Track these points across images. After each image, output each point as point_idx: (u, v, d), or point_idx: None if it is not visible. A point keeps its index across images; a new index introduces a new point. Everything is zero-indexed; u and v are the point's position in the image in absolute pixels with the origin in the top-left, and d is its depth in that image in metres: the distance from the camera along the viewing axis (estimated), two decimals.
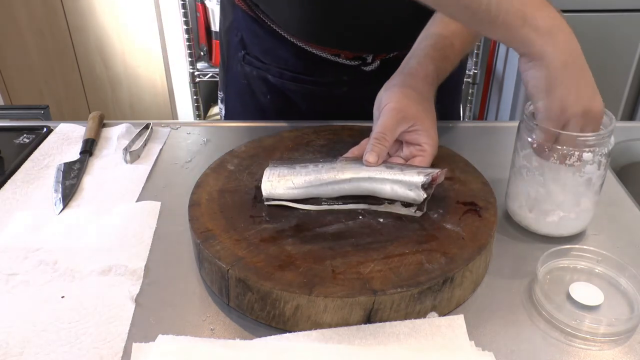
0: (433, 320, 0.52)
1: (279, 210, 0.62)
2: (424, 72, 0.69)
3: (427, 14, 0.79)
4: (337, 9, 0.78)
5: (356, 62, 0.85)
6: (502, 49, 2.17)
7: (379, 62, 0.85)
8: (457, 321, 0.53)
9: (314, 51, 0.85)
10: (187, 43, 2.16)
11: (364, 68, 0.86)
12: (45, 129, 0.89)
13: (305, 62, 0.87)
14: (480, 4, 0.55)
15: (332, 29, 0.82)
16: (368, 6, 0.77)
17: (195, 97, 2.32)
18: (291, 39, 0.84)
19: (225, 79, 0.98)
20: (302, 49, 0.85)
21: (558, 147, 0.58)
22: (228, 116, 1.00)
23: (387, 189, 0.60)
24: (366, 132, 0.77)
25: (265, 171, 0.63)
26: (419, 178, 0.59)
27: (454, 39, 0.72)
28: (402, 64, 0.71)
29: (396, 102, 0.65)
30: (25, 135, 0.88)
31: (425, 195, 0.59)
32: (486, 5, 0.54)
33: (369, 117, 0.69)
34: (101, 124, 0.90)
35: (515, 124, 0.67)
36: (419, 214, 0.60)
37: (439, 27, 0.73)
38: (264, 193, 0.62)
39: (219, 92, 1.01)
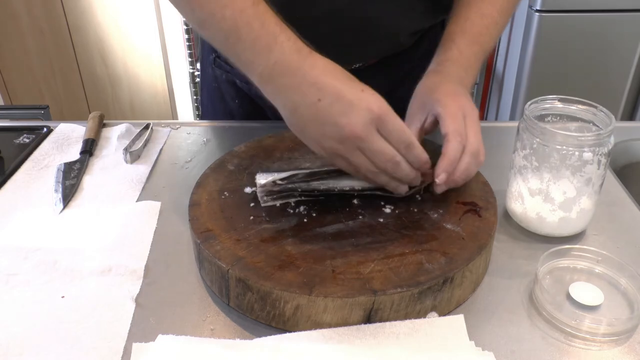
0: (433, 320, 0.52)
1: (279, 210, 0.62)
2: (444, 56, 0.69)
3: (384, 32, 0.78)
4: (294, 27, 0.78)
5: None
6: (502, 49, 2.18)
7: None
8: (457, 321, 0.53)
9: None
10: (187, 43, 2.16)
11: None
12: (45, 129, 0.89)
13: None
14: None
15: None
16: (325, 24, 0.75)
17: (195, 97, 2.32)
18: None
19: (200, 81, 1.01)
20: None
21: (558, 147, 0.58)
22: (202, 118, 1.01)
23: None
24: None
25: (257, 174, 0.63)
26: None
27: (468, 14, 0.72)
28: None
29: (410, 104, 0.67)
30: (25, 135, 0.88)
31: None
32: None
33: None
34: (101, 124, 0.90)
35: (515, 124, 0.67)
36: (418, 198, 0.64)
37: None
38: (261, 182, 0.61)
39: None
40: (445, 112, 0.60)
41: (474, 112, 0.62)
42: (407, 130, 0.56)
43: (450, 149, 0.58)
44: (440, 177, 0.59)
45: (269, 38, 0.56)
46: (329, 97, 0.54)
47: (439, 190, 0.61)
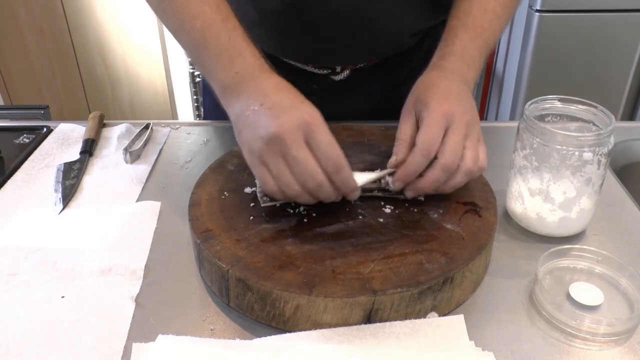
0: (433, 320, 0.52)
1: (279, 210, 0.62)
2: (446, 50, 0.68)
3: (386, 33, 0.78)
4: (295, 30, 0.76)
5: (325, 71, 0.84)
6: (502, 49, 2.18)
7: (348, 71, 0.84)
8: (457, 321, 0.53)
9: (282, 58, 0.84)
10: None
11: (334, 77, 0.84)
12: (45, 129, 0.89)
13: (275, 68, 0.87)
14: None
15: (292, 46, 0.81)
16: (327, 26, 0.75)
17: (195, 97, 2.32)
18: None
19: (203, 82, 1.01)
20: (270, 54, 0.85)
21: (558, 147, 0.58)
22: (205, 118, 1.01)
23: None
24: (366, 133, 0.77)
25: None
26: None
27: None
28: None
29: (407, 100, 0.65)
30: (25, 135, 0.88)
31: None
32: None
33: None
34: (101, 124, 0.90)
35: (515, 124, 0.67)
36: (422, 199, 0.63)
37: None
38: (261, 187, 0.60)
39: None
40: (426, 120, 0.58)
41: (463, 118, 0.58)
42: (338, 149, 0.54)
43: (410, 161, 0.58)
44: (395, 185, 0.60)
45: (234, 51, 0.59)
46: (270, 102, 0.55)
47: (409, 195, 0.61)
